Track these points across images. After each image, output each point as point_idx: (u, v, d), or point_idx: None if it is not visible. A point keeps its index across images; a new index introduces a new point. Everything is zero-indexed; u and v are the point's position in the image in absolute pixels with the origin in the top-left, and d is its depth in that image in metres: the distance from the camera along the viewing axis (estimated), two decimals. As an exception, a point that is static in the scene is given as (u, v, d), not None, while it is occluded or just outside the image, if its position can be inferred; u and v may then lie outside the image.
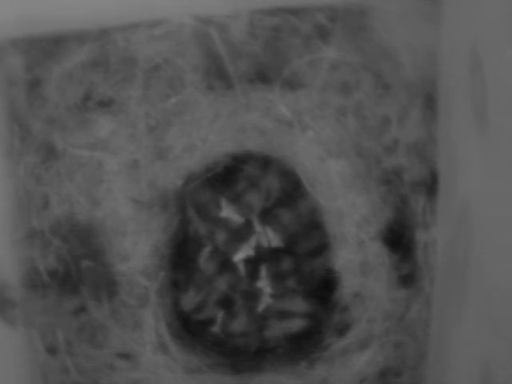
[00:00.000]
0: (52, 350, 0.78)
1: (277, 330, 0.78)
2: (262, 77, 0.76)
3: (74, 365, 0.78)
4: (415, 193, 0.77)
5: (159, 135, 0.77)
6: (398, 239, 0.77)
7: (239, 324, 0.79)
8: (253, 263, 0.78)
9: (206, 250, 0.78)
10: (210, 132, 0.77)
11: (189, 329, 0.78)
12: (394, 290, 0.77)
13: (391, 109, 0.76)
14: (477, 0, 0.63)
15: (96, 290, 0.77)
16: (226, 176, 0.77)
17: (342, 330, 0.77)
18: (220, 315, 0.79)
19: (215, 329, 0.79)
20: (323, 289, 0.78)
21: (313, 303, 0.78)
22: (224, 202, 0.78)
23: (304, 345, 0.77)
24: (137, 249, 0.77)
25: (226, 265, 0.78)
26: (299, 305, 0.78)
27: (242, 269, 0.78)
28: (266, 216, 0.78)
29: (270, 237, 0.78)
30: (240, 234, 0.78)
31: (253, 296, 0.78)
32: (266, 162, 0.77)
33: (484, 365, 0.62)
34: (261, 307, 0.78)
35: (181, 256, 0.78)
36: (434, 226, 0.77)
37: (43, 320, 0.78)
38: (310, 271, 0.78)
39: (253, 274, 0.78)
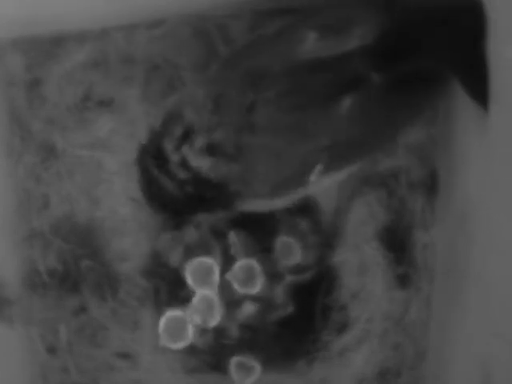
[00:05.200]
0: (52, 350, 0.78)
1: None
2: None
3: (74, 365, 0.78)
4: (414, 193, 0.77)
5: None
6: (396, 240, 0.77)
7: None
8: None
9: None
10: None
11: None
12: (393, 290, 0.77)
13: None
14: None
15: (96, 290, 0.77)
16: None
17: (340, 328, 0.77)
18: None
19: None
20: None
21: None
22: None
23: (301, 341, 0.77)
24: (137, 248, 0.77)
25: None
26: None
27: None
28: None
29: None
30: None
31: None
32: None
33: (484, 365, 0.61)
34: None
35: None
36: (434, 226, 0.77)
37: (43, 320, 0.78)
38: None
39: None
